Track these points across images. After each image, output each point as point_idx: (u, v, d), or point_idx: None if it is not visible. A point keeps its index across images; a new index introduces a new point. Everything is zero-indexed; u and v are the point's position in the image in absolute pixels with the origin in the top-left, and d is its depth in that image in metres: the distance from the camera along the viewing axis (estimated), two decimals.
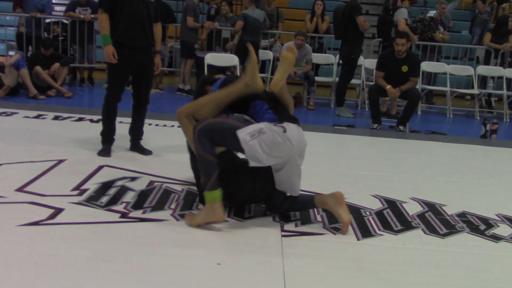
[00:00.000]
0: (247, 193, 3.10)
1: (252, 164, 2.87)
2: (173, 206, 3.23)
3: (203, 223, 2.89)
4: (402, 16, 7.59)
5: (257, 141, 2.82)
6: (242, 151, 2.88)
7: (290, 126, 2.93)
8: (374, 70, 6.84)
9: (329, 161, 4.73)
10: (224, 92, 3.13)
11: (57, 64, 7.47)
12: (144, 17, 4.11)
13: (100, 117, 4.40)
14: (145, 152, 4.41)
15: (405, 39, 6.34)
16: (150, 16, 4.17)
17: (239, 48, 8.01)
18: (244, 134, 2.85)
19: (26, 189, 3.33)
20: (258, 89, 3.09)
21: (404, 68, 6.39)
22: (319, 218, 3.22)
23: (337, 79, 7.95)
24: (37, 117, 5.64)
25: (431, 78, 8.91)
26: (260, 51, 8.83)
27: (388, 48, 7.10)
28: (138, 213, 3.07)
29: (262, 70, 9.13)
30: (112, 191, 3.41)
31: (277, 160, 2.92)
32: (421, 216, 3.42)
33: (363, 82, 8.46)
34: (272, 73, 8.24)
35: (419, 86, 7.29)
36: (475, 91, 8.52)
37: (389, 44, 7.43)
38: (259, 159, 2.85)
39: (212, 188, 2.86)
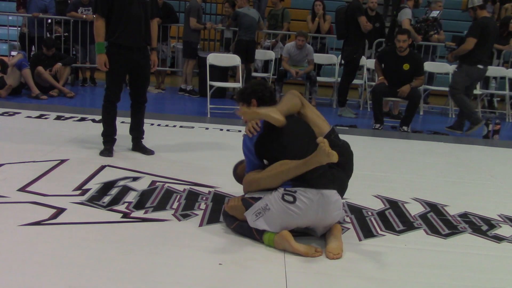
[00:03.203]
0: None
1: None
2: (175, 206, 3.23)
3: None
4: (406, 16, 7.58)
5: (262, 219, 2.69)
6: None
7: (305, 194, 2.63)
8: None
9: None
10: (289, 168, 2.70)
11: (59, 64, 7.48)
12: (141, 18, 4.14)
13: (101, 117, 4.42)
14: (147, 152, 4.41)
15: (406, 35, 6.32)
16: (147, 16, 4.21)
17: (238, 47, 8.04)
18: (250, 214, 2.74)
19: (28, 189, 3.33)
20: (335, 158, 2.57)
21: (406, 66, 6.36)
22: None
23: (339, 79, 7.95)
24: (40, 117, 5.65)
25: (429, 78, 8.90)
26: (263, 51, 8.84)
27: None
28: (140, 213, 3.07)
29: (265, 69, 9.14)
30: (114, 191, 3.42)
31: (294, 226, 2.74)
32: (423, 216, 3.41)
33: (365, 82, 8.44)
34: (274, 74, 8.26)
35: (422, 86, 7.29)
36: (478, 91, 8.49)
37: (392, 45, 7.42)
38: (281, 227, 2.70)
39: (262, 235, 2.74)
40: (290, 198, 2.63)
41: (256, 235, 2.76)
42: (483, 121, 6.59)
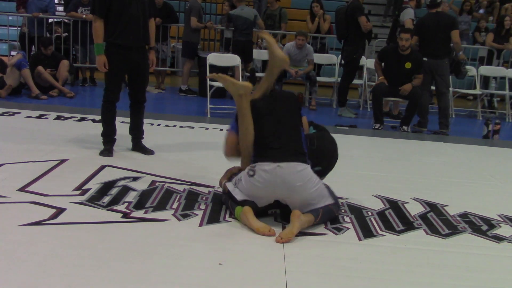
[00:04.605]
0: None
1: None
2: (174, 206, 3.23)
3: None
4: (408, 16, 7.58)
5: (237, 189, 3.10)
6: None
7: (262, 167, 2.95)
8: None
9: None
10: (239, 118, 3.18)
11: (64, 62, 7.51)
12: (139, 17, 4.15)
13: (101, 117, 4.41)
14: (147, 152, 4.41)
15: (409, 34, 6.35)
16: (145, 16, 4.22)
17: (235, 48, 8.04)
18: (232, 184, 3.16)
19: (28, 189, 3.33)
20: (247, 89, 3.13)
21: (408, 65, 6.37)
22: None
23: (339, 79, 7.95)
24: (39, 117, 5.65)
25: None
26: (261, 51, 8.83)
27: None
28: (139, 213, 3.07)
29: (264, 69, 9.12)
30: (114, 191, 3.42)
31: (266, 199, 3.06)
32: (423, 216, 3.41)
33: (365, 82, 8.45)
34: None
35: None
36: (477, 91, 8.50)
37: (393, 44, 7.42)
38: (253, 197, 3.05)
39: (234, 208, 3.11)
40: (251, 172, 3.00)
41: (230, 207, 3.12)
42: (425, 129, 6.70)
